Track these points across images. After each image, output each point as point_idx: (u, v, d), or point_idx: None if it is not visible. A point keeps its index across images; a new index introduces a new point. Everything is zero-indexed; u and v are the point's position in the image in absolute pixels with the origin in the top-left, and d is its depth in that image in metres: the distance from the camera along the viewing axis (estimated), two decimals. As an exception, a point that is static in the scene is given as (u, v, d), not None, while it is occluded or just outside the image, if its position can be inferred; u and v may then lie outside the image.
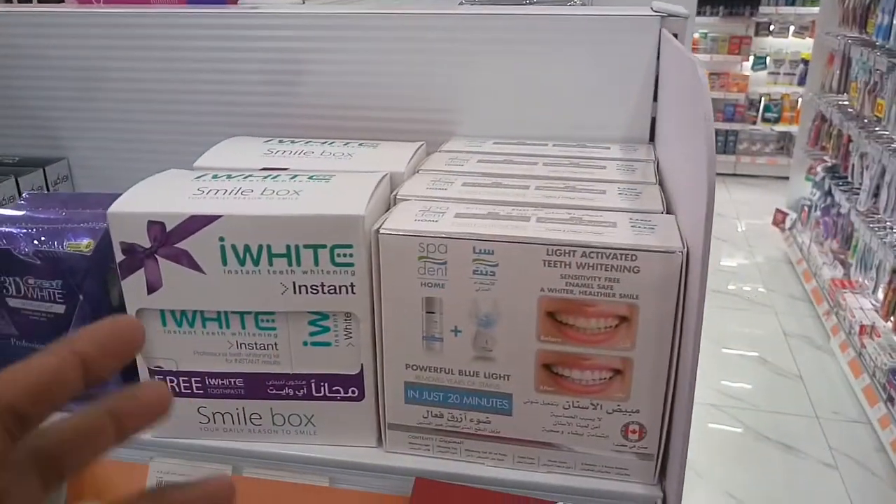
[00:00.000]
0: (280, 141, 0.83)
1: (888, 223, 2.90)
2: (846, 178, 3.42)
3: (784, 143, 5.60)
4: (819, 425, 2.70)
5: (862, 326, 2.90)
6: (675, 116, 0.68)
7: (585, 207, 0.63)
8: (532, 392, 0.60)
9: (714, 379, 2.98)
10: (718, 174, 5.71)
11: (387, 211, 0.64)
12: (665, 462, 0.60)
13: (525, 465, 0.63)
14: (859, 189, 3.13)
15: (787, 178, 4.56)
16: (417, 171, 0.75)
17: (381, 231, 0.59)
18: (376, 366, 0.63)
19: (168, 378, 0.66)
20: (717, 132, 5.61)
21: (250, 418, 0.67)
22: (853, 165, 3.24)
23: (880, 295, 2.91)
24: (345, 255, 0.60)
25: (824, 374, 3.03)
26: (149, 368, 0.66)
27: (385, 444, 0.65)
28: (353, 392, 0.65)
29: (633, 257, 0.54)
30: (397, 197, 0.67)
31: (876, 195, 2.93)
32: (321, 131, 0.92)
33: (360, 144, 0.81)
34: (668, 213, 0.63)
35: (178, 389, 0.66)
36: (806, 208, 3.99)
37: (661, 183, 0.71)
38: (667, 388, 0.57)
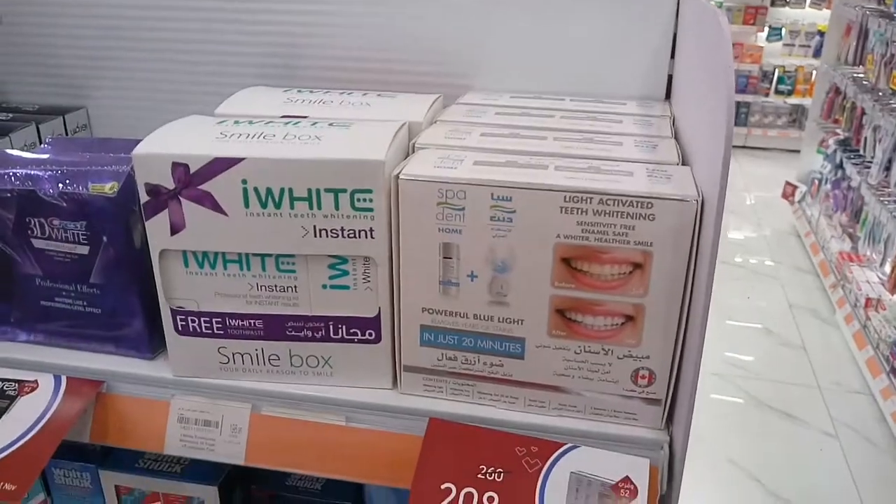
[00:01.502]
0: (299, 90, 0.84)
1: (899, 197, 2.89)
2: (858, 151, 3.39)
3: (796, 116, 5.55)
4: (821, 395, 2.72)
5: (868, 299, 2.91)
6: (694, 69, 0.68)
7: (603, 158, 0.64)
8: (545, 336, 0.61)
9: (718, 349, 3.00)
10: (729, 146, 5.67)
11: (406, 158, 0.65)
12: (672, 408, 0.62)
13: (536, 408, 0.64)
14: (871, 162, 3.11)
15: (798, 151, 4.54)
16: (436, 122, 0.76)
17: (401, 176, 0.60)
18: (393, 309, 0.65)
19: (190, 318, 0.68)
20: (730, 103, 5.55)
21: (269, 359, 0.69)
22: (866, 138, 3.22)
23: (887, 268, 2.91)
24: (365, 200, 0.61)
25: (828, 346, 3.05)
26: (171, 308, 0.68)
27: (400, 386, 0.67)
28: (370, 335, 0.66)
29: (650, 205, 0.55)
30: (416, 145, 0.68)
31: (888, 169, 2.92)
32: (340, 83, 0.92)
33: (379, 95, 0.82)
34: (683, 164, 0.64)
35: (199, 329, 0.68)
36: (816, 181, 3.97)
37: (676, 138, 0.72)
38: (677, 335, 0.59)
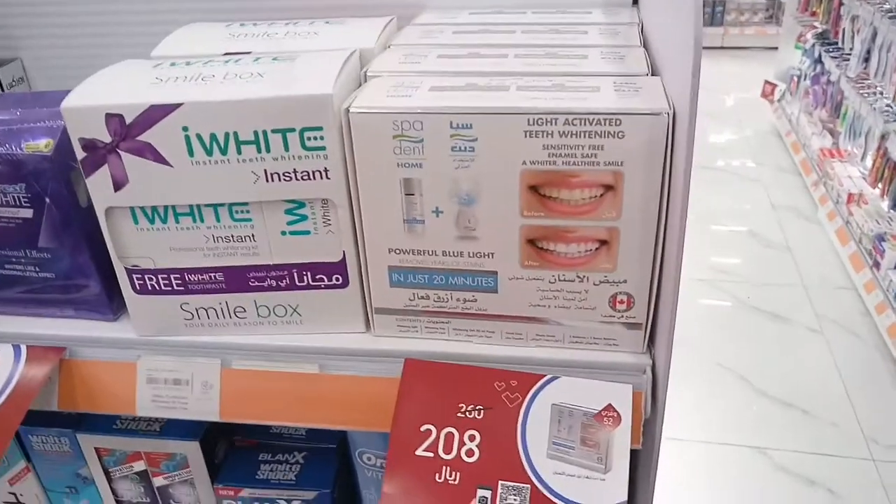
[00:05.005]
0: (241, 24, 0.78)
1: (878, 88, 2.85)
2: (836, 43, 3.33)
3: (773, 12, 5.43)
4: (806, 294, 2.75)
5: (850, 195, 2.91)
6: (660, -30, 0.63)
7: (567, 74, 0.60)
8: (517, 268, 0.59)
9: (704, 255, 3.01)
10: (705, 48, 5.55)
11: (357, 89, 0.61)
12: (654, 331, 0.60)
13: (513, 340, 0.62)
14: (850, 55, 3.05)
15: (776, 48, 4.45)
16: (389, 47, 0.71)
17: (352, 110, 0.55)
18: (358, 252, 0.62)
19: (147, 276, 0.65)
20: (704, 3, 5.42)
21: (235, 312, 0.66)
22: (844, 30, 3.15)
23: (868, 162, 2.90)
24: (315, 139, 0.57)
25: (812, 244, 3.06)
26: (126, 268, 0.64)
27: (373, 329, 0.65)
28: (336, 280, 0.63)
29: (618, 122, 0.52)
30: (368, 74, 0.63)
31: (867, 60, 2.86)
32: (285, 12, 0.86)
33: (327, 23, 0.76)
34: (653, 75, 0.60)
35: (158, 287, 0.65)
36: (795, 78, 3.90)
37: (645, 46, 0.68)
38: (654, 256, 0.56)
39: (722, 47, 5.50)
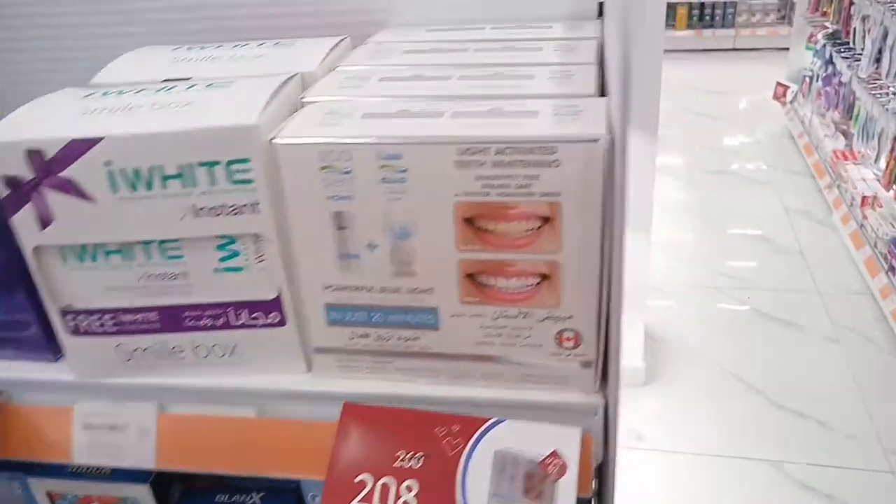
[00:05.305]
0: (189, 48, 0.76)
1: (890, 88, 2.77)
2: (847, 44, 3.25)
3: (785, 12, 5.34)
4: (821, 300, 2.67)
5: (864, 198, 2.83)
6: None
7: (508, 96, 0.56)
8: (457, 304, 0.55)
9: (716, 261, 2.94)
10: (717, 50, 5.48)
11: (290, 117, 0.58)
12: (605, 368, 0.56)
13: (460, 380, 0.59)
14: (861, 55, 2.98)
15: (787, 49, 4.37)
16: (334, 70, 0.68)
17: (276, 141, 0.52)
18: (294, 289, 0.58)
19: (80, 317, 0.62)
20: (716, 5, 5.35)
21: (172, 352, 0.63)
22: (855, 30, 3.07)
23: (882, 164, 2.82)
24: (242, 171, 0.54)
25: (826, 249, 2.98)
26: (59, 309, 0.62)
27: (314, 370, 0.62)
28: (273, 318, 0.60)
29: (553, 150, 0.48)
30: (304, 100, 0.60)
31: (878, 60, 2.79)
32: (240, 33, 0.83)
33: (276, 44, 0.73)
34: (603, 95, 0.56)
35: (93, 328, 0.62)
36: (807, 79, 3.82)
37: (602, 64, 0.64)
38: (600, 290, 0.52)
39: (734, 49, 5.42)
